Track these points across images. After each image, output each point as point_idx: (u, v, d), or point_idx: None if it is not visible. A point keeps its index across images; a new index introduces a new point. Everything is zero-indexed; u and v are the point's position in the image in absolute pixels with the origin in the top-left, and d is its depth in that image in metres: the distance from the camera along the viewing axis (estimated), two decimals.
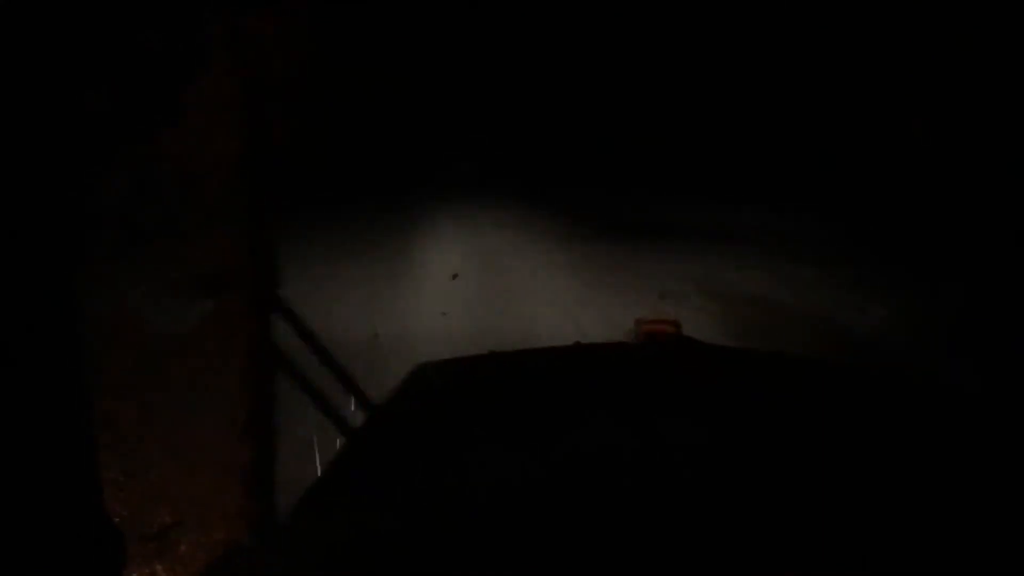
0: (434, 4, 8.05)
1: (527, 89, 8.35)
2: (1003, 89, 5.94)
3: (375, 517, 1.13)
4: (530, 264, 5.76)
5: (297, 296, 3.57)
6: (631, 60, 8.21)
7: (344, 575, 1.00)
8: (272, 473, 2.37)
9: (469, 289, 5.20)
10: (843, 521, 0.99)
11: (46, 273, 2.10)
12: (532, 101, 8.32)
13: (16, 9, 1.89)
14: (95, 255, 2.19)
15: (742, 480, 1.10)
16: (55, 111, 2.06)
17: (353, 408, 2.66)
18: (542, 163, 7.94)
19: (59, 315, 2.13)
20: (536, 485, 1.15)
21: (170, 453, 2.26)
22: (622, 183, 7.53)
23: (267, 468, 2.38)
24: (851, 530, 0.97)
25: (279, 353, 2.94)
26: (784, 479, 1.10)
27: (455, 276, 5.39)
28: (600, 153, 8.01)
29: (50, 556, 2.00)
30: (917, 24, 6.35)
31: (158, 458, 2.24)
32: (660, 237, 6.32)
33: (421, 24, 8.00)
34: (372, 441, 1.48)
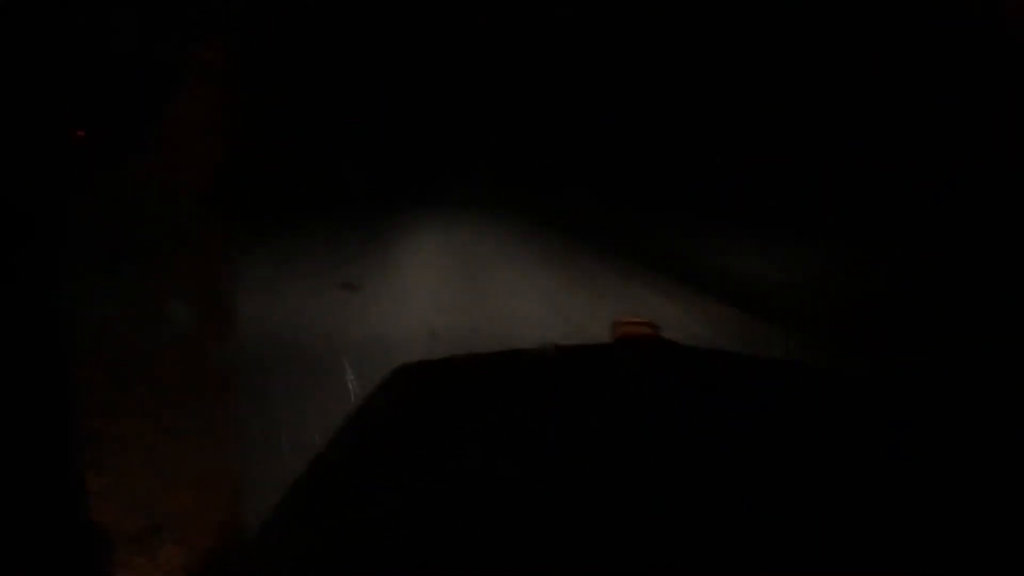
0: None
1: (512, 100, 8.35)
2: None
3: (354, 521, 1.13)
4: (516, 264, 5.76)
5: (267, 305, 3.57)
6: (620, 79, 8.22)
7: None
8: (250, 480, 2.40)
9: (454, 291, 5.20)
10: (817, 525, 0.99)
11: (31, 288, 2.11)
12: (519, 111, 8.32)
13: None
14: (74, 274, 2.21)
15: (717, 482, 1.10)
16: (35, 133, 2.07)
17: (326, 412, 2.69)
18: (525, 171, 7.97)
19: (44, 330, 2.13)
20: (514, 488, 1.15)
21: (150, 464, 2.28)
22: (606, 192, 7.56)
23: (245, 475, 2.40)
24: (824, 534, 0.97)
25: (251, 362, 2.97)
26: (760, 483, 1.10)
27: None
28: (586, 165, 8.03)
29: (41, 559, 2.01)
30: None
31: (138, 469, 2.27)
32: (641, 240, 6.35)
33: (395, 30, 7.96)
34: (350, 444, 1.48)
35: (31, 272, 2.07)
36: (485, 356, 1.91)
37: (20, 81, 1.97)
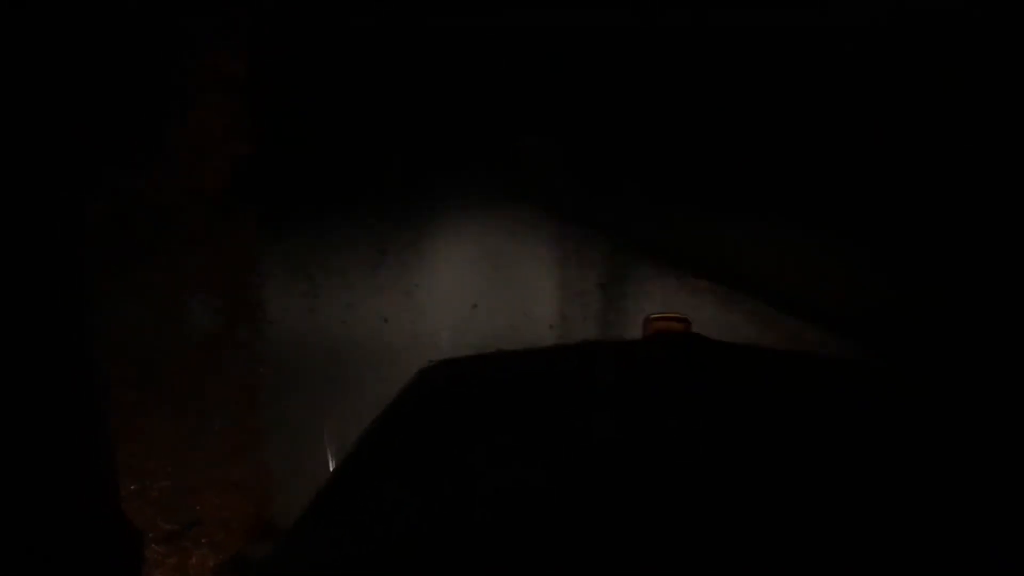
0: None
1: (534, 96, 8.30)
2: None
3: (381, 521, 1.12)
4: (542, 262, 5.76)
5: (286, 307, 3.58)
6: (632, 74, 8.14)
7: None
8: (276, 482, 2.41)
9: (477, 288, 5.20)
10: (854, 519, 0.97)
11: (58, 288, 2.13)
12: (539, 107, 8.27)
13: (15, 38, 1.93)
14: (100, 275, 2.24)
15: (752, 478, 1.08)
16: (55, 139, 2.10)
17: (355, 412, 2.71)
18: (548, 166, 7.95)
19: (73, 332, 2.16)
20: (544, 487, 1.13)
21: (180, 466, 2.31)
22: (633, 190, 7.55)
23: (270, 477, 2.41)
24: (863, 529, 0.95)
25: (274, 364, 2.98)
26: (795, 477, 1.08)
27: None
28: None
29: (75, 558, 2.04)
30: None
31: (168, 471, 2.29)
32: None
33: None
34: (378, 446, 1.47)
35: (55, 273, 2.09)
36: (512, 354, 1.89)
37: (40, 83, 1.99)
